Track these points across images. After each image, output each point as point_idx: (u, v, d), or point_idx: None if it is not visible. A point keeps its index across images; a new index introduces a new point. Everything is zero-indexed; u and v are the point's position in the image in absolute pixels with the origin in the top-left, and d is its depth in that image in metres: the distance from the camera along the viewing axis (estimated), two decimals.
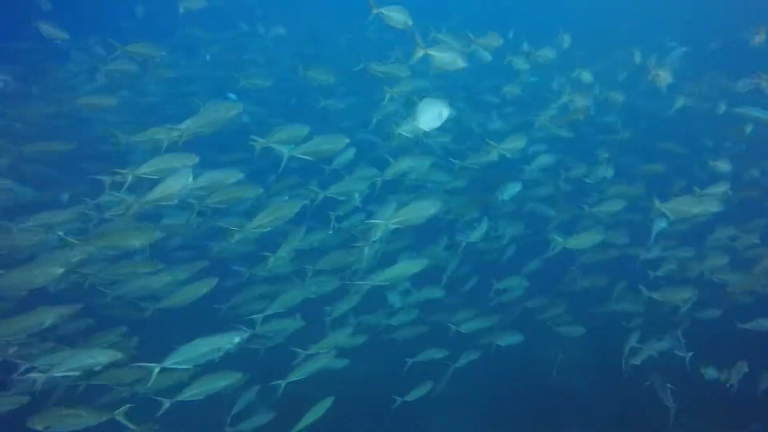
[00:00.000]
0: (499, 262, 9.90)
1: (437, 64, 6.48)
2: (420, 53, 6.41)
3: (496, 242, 9.59)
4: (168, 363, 5.53)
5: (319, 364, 6.99)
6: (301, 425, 6.67)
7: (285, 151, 6.85)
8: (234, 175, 6.65)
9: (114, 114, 10.67)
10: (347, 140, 7.41)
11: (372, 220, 6.42)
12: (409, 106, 8.68)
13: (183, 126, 6.24)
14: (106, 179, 6.55)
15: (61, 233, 5.98)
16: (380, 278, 6.56)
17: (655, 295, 8.17)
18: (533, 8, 19.07)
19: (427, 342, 8.82)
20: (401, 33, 12.81)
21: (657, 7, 17.27)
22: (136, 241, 6.12)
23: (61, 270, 5.65)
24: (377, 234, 6.56)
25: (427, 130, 6.13)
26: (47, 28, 9.10)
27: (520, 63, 9.64)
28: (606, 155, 9.65)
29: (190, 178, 5.81)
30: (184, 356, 5.59)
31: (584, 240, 7.91)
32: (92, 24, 13.91)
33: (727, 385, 8.07)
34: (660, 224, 8.04)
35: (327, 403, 6.87)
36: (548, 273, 9.92)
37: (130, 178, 5.97)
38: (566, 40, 10.35)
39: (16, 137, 9.28)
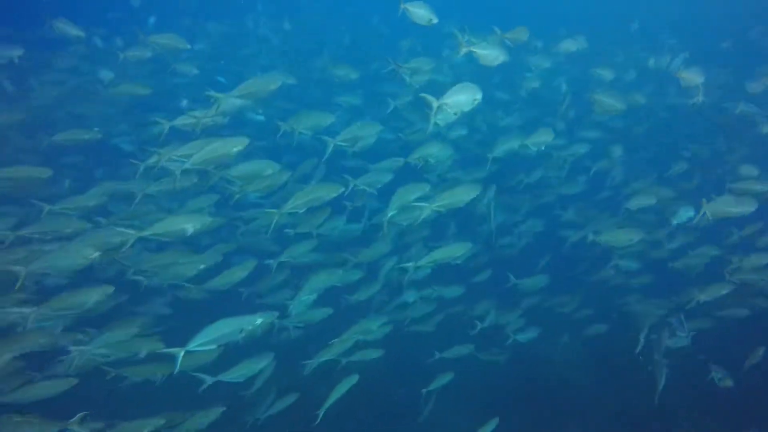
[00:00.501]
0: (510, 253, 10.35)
1: (481, 61, 6.81)
2: (464, 50, 6.71)
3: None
4: (192, 346, 5.70)
5: (346, 346, 7.33)
6: (330, 401, 7.04)
7: (329, 140, 7.22)
8: (271, 166, 6.93)
9: (109, 106, 10.86)
10: (380, 127, 7.79)
11: (419, 203, 6.70)
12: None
13: (221, 95, 6.55)
14: (140, 163, 6.81)
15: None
16: (428, 260, 6.85)
17: (702, 296, 8.36)
18: (531, 7, 19.62)
19: (440, 335, 9.22)
20: (407, 28, 13.26)
21: (661, 6, 17.86)
22: (189, 227, 6.34)
23: (96, 253, 5.82)
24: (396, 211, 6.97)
25: (458, 112, 6.41)
26: (61, 26, 9.18)
27: (541, 61, 9.95)
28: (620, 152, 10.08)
29: (238, 147, 6.04)
30: (207, 338, 5.74)
31: (622, 237, 8.18)
32: (78, 13, 13.91)
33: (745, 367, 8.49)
34: (684, 215, 8.34)
35: (353, 380, 7.20)
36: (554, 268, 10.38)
37: (164, 159, 6.34)
38: (582, 42, 10.66)
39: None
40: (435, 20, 7.13)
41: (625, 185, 10.46)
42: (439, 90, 9.31)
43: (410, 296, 8.86)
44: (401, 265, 7.10)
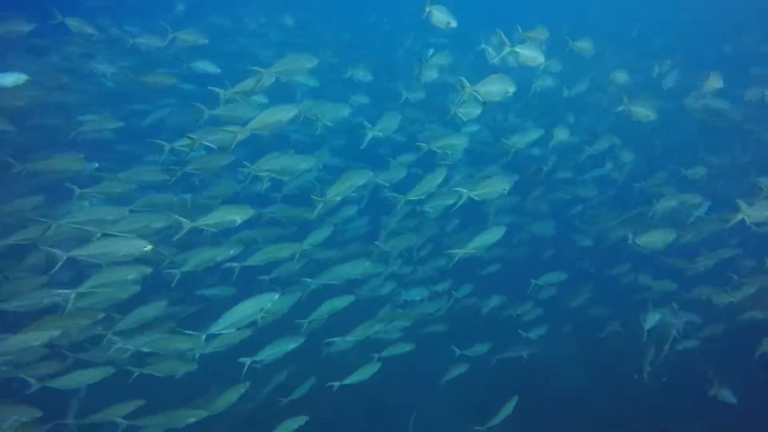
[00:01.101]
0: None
1: (521, 61, 7.27)
2: (507, 50, 7.15)
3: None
4: (214, 329, 6.04)
5: (374, 329, 7.76)
6: (349, 380, 7.50)
7: (369, 127, 7.85)
8: (305, 161, 7.44)
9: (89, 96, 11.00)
10: (400, 116, 8.45)
11: (458, 189, 7.16)
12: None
13: (262, 70, 6.88)
14: (166, 145, 7.16)
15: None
16: (472, 246, 7.27)
17: (732, 296, 8.76)
18: (523, 10, 20.09)
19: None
20: (405, 26, 13.68)
21: (660, 9, 18.53)
22: (237, 218, 6.75)
23: (149, 246, 6.08)
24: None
25: (487, 101, 6.86)
26: (76, 24, 9.33)
27: (554, 65, 10.43)
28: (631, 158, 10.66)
29: (293, 113, 6.60)
30: (228, 321, 6.07)
31: (657, 237, 8.48)
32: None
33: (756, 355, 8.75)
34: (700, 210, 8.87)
35: (375, 366, 7.67)
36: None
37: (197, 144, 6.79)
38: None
39: None
40: (454, 24, 7.51)
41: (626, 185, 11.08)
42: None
43: (416, 295, 9.27)
44: (448, 252, 7.44)
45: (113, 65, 10.74)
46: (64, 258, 5.79)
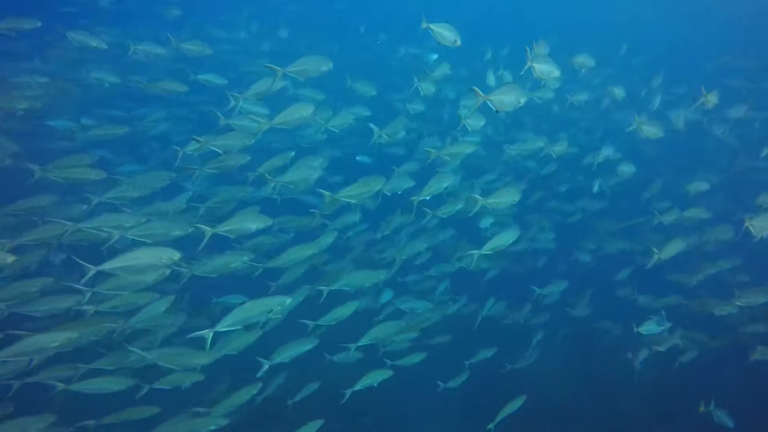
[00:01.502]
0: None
1: (537, 75, 7.49)
2: (528, 66, 7.33)
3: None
4: (220, 327, 6.03)
5: (389, 330, 7.99)
6: (359, 386, 7.75)
7: (377, 131, 8.18)
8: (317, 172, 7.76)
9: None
10: (405, 120, 8.81)
11: (474, 195, 7.37)
12: None
13: (279, 68, 6.95)
14: (179, 150, 7.32)
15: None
16: (488, 247, 7.39)
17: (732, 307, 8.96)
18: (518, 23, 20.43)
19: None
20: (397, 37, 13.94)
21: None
22: (254, 226, 6.93)
23: (178, 255, 6.17)
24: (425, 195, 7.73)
25: (500, 110, 7.05)
26: (78, 37, 9.32)
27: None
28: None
29: (311, 110, 6.85)
30: (235, 319, 6.07)
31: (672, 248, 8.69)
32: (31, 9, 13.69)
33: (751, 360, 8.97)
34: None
35: (386, 373, 7.88)
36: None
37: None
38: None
39: None
40: (459, 42, 7.59)
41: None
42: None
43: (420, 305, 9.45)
44: (463, 254, 7.59)
45: (106, 72, 10.72)
46: (93, 271, 5.81)
